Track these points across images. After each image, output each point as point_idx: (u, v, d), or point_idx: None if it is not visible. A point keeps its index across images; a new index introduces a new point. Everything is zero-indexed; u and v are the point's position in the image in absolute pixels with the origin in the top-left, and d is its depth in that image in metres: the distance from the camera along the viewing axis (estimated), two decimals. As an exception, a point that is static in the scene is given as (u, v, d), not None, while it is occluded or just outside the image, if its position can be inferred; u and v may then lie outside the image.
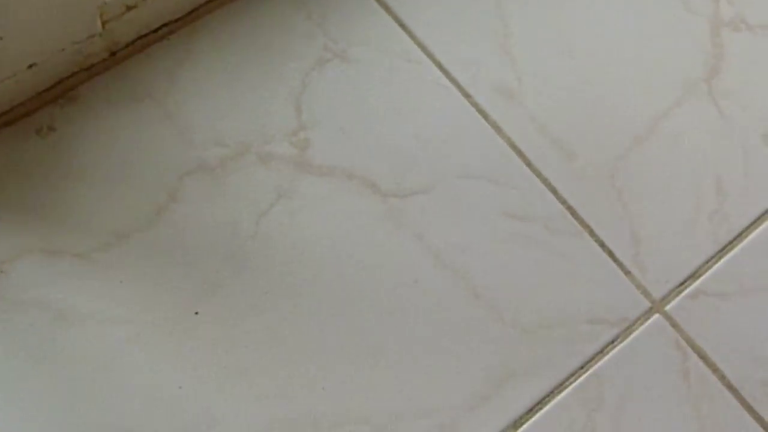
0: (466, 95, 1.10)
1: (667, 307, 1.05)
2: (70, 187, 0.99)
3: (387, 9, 1.11)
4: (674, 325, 1.04)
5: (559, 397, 1.00)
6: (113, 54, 1.03)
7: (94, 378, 0.93)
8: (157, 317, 0.96)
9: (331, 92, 1.07)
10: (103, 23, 0.99)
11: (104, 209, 0.98)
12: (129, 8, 1.00)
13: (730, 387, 1.03)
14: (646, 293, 1.04)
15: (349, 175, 1.04)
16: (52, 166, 0.99)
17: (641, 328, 1.04)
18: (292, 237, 1.01)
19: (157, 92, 1.03)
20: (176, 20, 1.05)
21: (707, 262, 1.07)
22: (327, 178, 1.03)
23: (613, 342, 1.03)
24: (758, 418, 1.01)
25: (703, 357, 1.03)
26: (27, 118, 1.00)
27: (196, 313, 0.96)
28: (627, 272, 1.05)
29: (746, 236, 1.09)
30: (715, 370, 1.03)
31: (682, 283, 1.06)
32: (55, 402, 0.93)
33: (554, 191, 1.08)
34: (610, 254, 1.05)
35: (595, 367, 1.02)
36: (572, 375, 1.01)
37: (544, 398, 1.00)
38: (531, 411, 0.99)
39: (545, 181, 1.08)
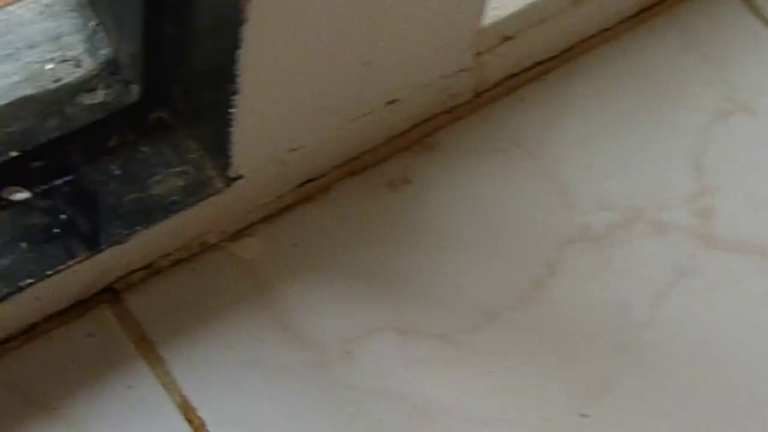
0: None
1: None
2: (428, 253, 0.83)
3: (800, 53, 0.90)
4: None
5: None
6: (478, 95, 0.85)
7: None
8: (535, 418, 0.79)
9: (735, 151, 0.87)
10: (476, 55, 0.79)
11: (469, 281, 0.82)
12: (506, 39, 0.82)
13: None
14: None
15: (762, 252, 0.84)
16: (407, 226, 0.83)
17: None
18: (696, 326, 0.82)
19: (530, 142, 0.85)
20: (551, 59, 0.87)
21: None
22: (735, 255, 0.84)
23: None
24: None
25: None
26: (377, 167, 0.84)
27: (583, 415, 0.77)
28: None
29: None
30: None
31: None
32: None
33: None
34: None
35: None
36: None
37: None
38: None
39: None
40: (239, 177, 0.77)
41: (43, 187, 0.76)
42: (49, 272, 0.73)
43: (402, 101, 0.81)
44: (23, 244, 0.73)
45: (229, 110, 0.71)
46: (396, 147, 0.84)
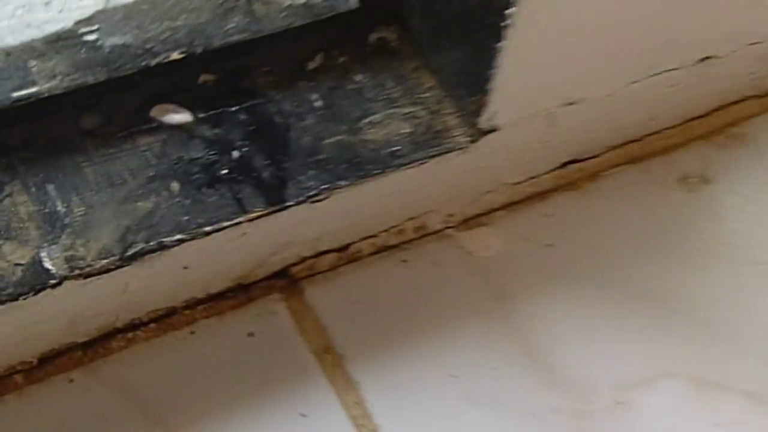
0: None
1: None
2: (736, 279, 0.62)
3: None
4: None
5: None
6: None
7: None
8: None
9: None
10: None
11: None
12: None
13: None
14: None
15: None
16: (704, 239, 0.64)
17: None
18: None
19: None
20: None
21: None
22: None
23: None
24: None
25: None
26: (666, 156, 0.66)
27: None
28: None
29: None
30: None
31: None
32: None
33: None
34: None
35: None
36: None
37: None
38: None
39: None
40: (492, 130, 0.54)
41: (212, 110, 0.55)
42: (207, 228, 0.52)
43: (716, 61, 0.60)
44: (174, 185, 0.52)
45: (503, 19, 0.47)
46: (692, 134, 0.67)
